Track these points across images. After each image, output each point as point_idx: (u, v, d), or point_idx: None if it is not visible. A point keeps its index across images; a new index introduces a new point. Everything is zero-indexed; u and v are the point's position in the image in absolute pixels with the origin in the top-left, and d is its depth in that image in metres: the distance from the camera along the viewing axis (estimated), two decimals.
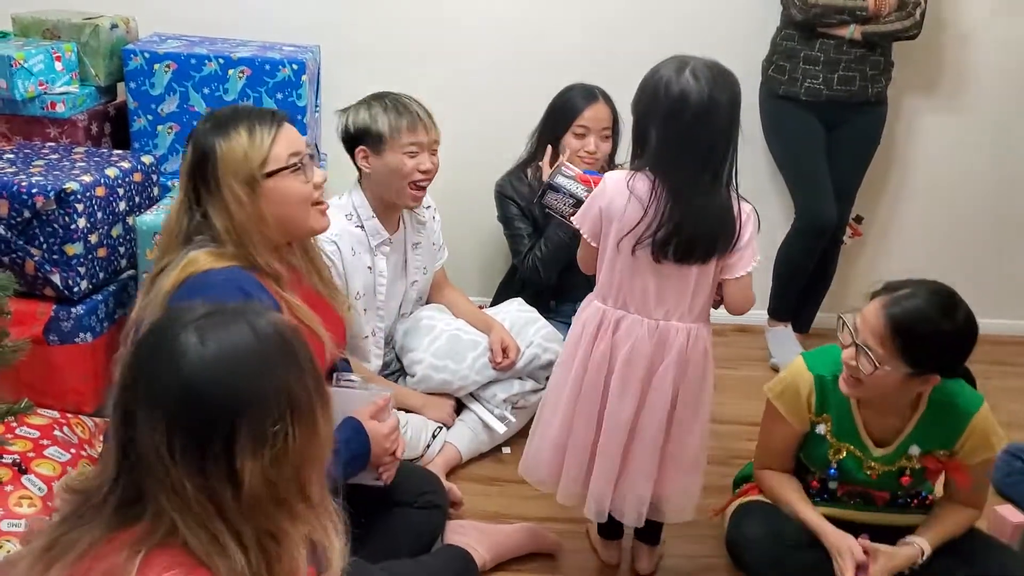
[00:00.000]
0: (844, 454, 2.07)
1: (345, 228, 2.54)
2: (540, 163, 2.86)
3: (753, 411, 2.76)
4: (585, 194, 2.34)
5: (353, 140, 2.54)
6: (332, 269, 2.47)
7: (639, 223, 1.93)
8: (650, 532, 2.31)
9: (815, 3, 3.06)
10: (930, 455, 2.03)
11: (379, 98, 2.54)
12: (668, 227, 1.91)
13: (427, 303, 2.85)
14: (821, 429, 2.08)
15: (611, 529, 2.35)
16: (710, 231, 1.93)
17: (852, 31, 3.09)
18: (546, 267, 2.94)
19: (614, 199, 1.98)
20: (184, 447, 1.09)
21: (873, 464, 2.06)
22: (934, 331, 1.84)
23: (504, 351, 2.68)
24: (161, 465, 1.10)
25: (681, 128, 1.88)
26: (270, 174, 1.79)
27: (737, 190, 1.96)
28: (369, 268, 2.58)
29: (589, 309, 2.10)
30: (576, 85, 2.93)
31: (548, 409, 2.19)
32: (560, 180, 2.34)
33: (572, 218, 2.13)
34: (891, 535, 2.09)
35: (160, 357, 1.13)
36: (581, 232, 2.07)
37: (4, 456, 2.14)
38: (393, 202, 2.59)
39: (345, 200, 2.60)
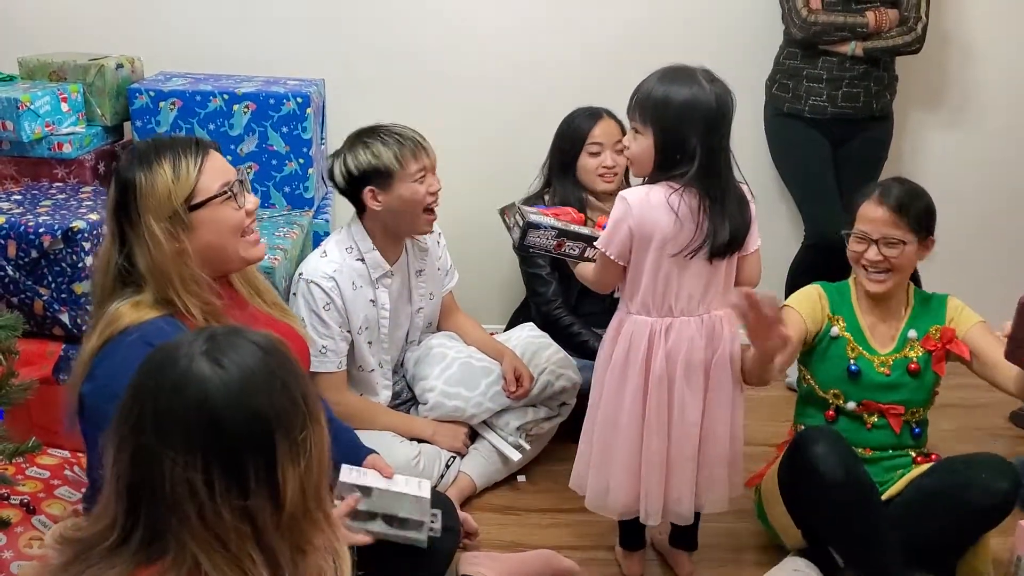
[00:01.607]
0: (856, 353, 2.31)
1: (344, 263, 2.52)
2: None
3: (773, 432, 2.73)
4: (560, 223, 2.31)
5: (358, 182, 2.49)
6: (331, 305, 2.47)
7: (695, 235, 2.02)
8: (688, 538, 2.35)
9: (815, 21, 3.06)
10: (927, 336, 2.31)
11: (370, 134, 2.50)
12: (722, 232, 2.03)
13: (437, 329, 2.83)
14: (835, 330, 2.33)
15: (635, 540, 2.37)
16: (742, 222, 2.07)
17: (853, 48, 3.08)
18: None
19: (645, 215, 2.02)
20: (225, 474, 1.09)
21: (882, 358, 2.30)
22: (922, 200, 2.29)
23: (518, 379, 2.66)
24: (191, 500, 1.08)
25: (722, 134, 2.01)
26: (198, 205, 1.73)
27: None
28: (372, 301, 2.57)
29: (632, 325, 2.13)
30: (578, 110, 2.95)
31: (606, 435, 2.18)
32: (534, 217, 2.32)
33: (592, 247, 2.15)
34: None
35: (178, 392, 1.10)
36: (608, 254, 2.09)
37: (13, 497, 2.13)
38: (406, 233, 2.57)
39: (344, 234, 2.58)
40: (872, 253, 2.26)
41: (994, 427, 3.13)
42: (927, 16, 3.10)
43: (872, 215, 2.26)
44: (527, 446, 2.70)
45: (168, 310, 1.70)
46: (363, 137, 2.50)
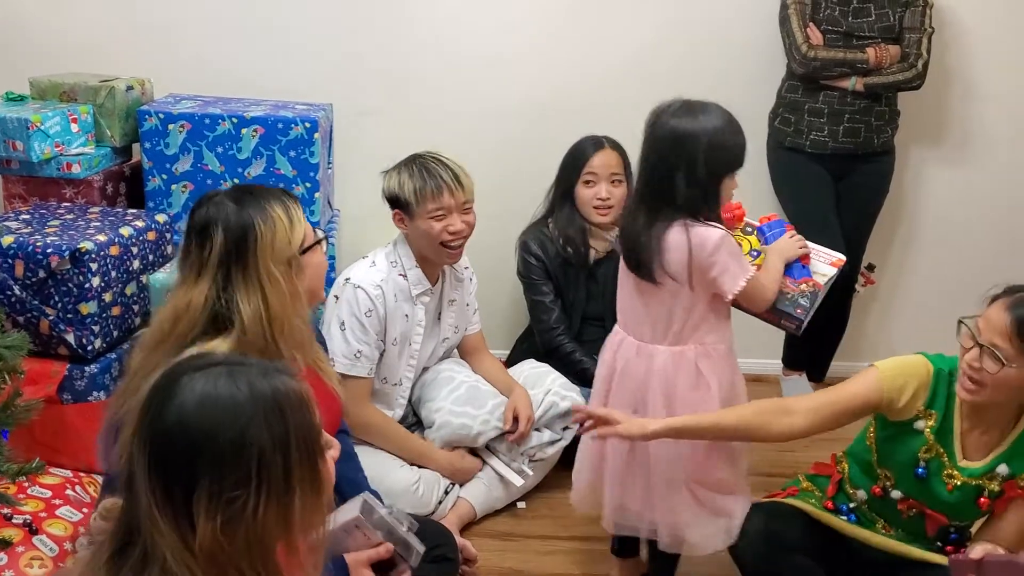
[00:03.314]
0: (934, 454, 2.01)
1: (389, 275, 2.58)
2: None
3: (772, 462, 2.74)
4: (809, 292, 2.20)
5: (390, 203, 2.59)
6: (373, 312, 2.52)
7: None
8: (663, 567, 2.32)
9: (815, 56, 3.09)
10: (1014, 480, 1.97)
11: (411, 162, 2.57)
12: (622, 239, 2.15)
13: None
14: (920, 425, 2.01)
15: (623, 546, 2.39)
16: (640, 253, 2.07)
17: (854, 83, 3.11)
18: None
19: None
20: (159, 486, 1.09)
21: (955, 474, 2.00)
22: None
23: (516, 419, 2.65)
24: (146, 500, 1.09)
25: (646, 158, 2.09)
26: (307, 250, 1.80)
27: (702, 218, 2.03)
28: (407, 316, 2.60)
29: (614, 332, 2.26)
30: (585, 137, 2.97)
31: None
32: (803, 301, 2.18)
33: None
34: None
35: (159, 395, 1.12)
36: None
37: (15, 516, 2.13)
38: (432, 259, 2.62)
39: (391, 249, 2.63)
40: (971, 356, 1.89)
41: None
42: (928, 52, 3.13)
43: (993, 317, 1.88)
44: (530, 472, 2.71)
45: (261, 355, 1.65)
46: (407, 162, 2.57)
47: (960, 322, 1.95)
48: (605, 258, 3.00)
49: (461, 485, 2.67)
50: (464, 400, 2.66)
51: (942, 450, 2.01)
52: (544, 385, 2.77)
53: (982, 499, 1.99)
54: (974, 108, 3.44)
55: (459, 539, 2.34)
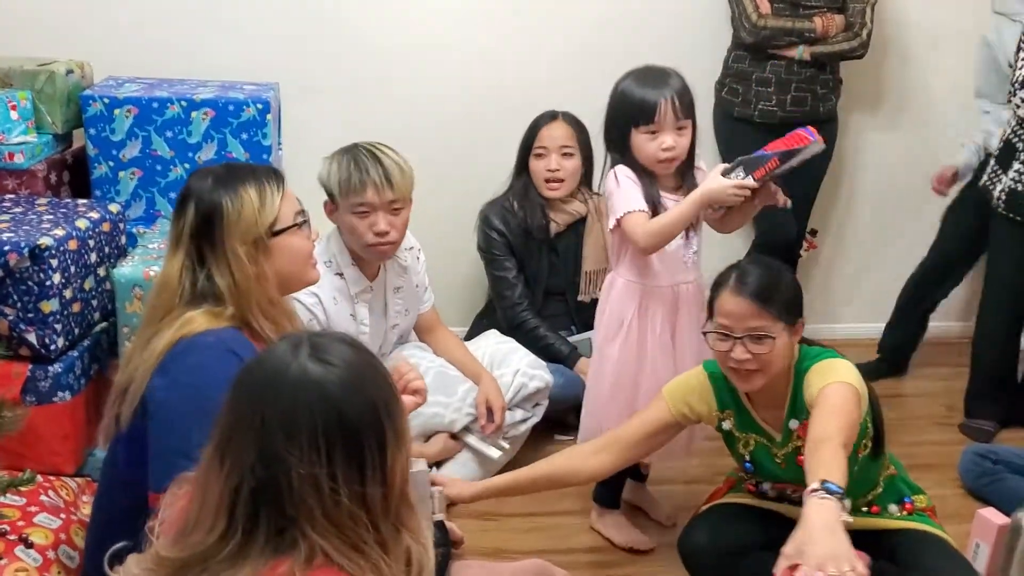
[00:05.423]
0: (753, 444, 2.12)
1: (325, 277, 2.48)
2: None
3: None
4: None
5: (325, 191, 2.52)
6: (314, 321, 2.45)
7: None
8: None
9: (764, 26, 3.15)
10: (806, 423, 1.99)
11: (346, 151, 2.49)
12: None
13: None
14: (727, 425, 2.13)
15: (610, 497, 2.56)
16: None
17: (801, 52, 3.18)
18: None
19: None
20: (346, 464, 1.15)
21: (776, 451, 2.09)
22: (783, 283, 2.00)
23: (490, 411, 2.66)
24: (316, 494, 1.13)
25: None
26: (278, 232, 1.79)
27: (615, 162, 2.30)
28: (352, 316, 2.55)
29: None
30: (545, 111, 2.97)
31: None
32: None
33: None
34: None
35: (300, 392, 1.16)
36: None
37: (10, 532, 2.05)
38: (362, 254, 2.55)
39: (323, 248, 2.54)
40: (739, 352, 1.95)
41: (935, 415, 3.28)
42: (872, 22, 3.22)
43: (731, 308, 1.95)
44: (506, 445, 2.73)
45: (239, 326, 1.73)
46: (343, 150, 2.50)
47: (704, 334, 2.04)
48: (566, 231, 3.02)
49: (437, 467, 2.67)
50: (433, 388, 2.59)
51: (758, 437, 2.10)
52: (512, 364, 2.78)
53: (799, 458, 1.99)
54: (911, 75, 3.56)
55: (446, 523, 2.35)
